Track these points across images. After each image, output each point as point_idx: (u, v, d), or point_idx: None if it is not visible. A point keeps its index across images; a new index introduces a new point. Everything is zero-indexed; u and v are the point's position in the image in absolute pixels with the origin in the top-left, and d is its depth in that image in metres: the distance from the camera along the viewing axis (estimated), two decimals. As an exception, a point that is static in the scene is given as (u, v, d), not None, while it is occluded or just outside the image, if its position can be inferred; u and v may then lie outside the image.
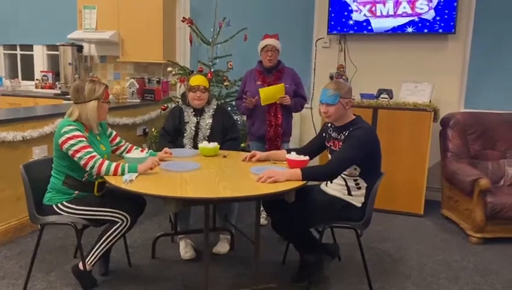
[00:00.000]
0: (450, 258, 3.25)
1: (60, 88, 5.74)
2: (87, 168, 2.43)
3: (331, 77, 4.62)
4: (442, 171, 4.14)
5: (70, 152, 2.43)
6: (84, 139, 2.46)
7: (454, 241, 3.59)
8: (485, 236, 3.53)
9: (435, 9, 4.24)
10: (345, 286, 2.78)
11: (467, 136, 4.09)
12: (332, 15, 4.59)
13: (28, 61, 6.34)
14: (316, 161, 3.40)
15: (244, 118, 4.41)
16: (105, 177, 2.42)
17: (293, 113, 3.71)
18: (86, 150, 2.43)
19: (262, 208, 3.39)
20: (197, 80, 3.18)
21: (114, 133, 2.85)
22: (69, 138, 2.43)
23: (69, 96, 2.59)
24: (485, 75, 4.37)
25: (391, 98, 4.22)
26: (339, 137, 2.59)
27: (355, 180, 2.56)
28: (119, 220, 2.52)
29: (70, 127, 2.46)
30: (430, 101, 4.12)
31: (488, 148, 4.08)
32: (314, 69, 4.81)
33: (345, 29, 4.58)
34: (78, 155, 2.42)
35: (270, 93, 3.39)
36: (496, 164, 4.04)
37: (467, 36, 4.34)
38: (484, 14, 4.28)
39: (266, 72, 3.55)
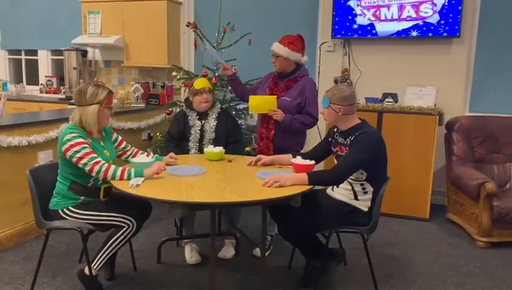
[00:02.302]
0: (457, 263, 3.23)
1: (64, 93, 5.75)
2: (93, 174, 2.44)
3: (336, 81, 4.62)
4: (448, 175, 4.12)
5: (74, 159, 2.43)
6: (87, 145, 2.46)
7: (460, 245, 3.57)
8: (492, 240, 3.51)
9: (440, 13, 4.23)
10: (351, 291, 2.78)
11: (472, 140, 4.07)
12: (337, 19, 4.59)
13: (33, 66, 6.37)
14: (321, 166, 3.39)
15: (248, 122, 4.41)
16: (111, 182, 2.42)
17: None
18: (90, 156, 2.43)
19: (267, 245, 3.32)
20: (201, 82, 3.20)
21: (120, 138, 2.85)
22: (72, 146, 2.43)
23: (73, 100, 2.60)
24: (490, 79, 4.37)
25: (396, 102, 4.22)
26: (345, 142, 2.58)
27: (361, 184, 2.55)
28: (125, 225, 2.52)
29: (73, 135, 2.46)
30: (434, 105, 4.11)
31: (493, 151, 4.07)
32: (319, 73, 4.81)
33: (349, 33, 4.58)
34: (83, 162, 2.42)
35: (260, 102, 3.14)
36: (502, 167, 4.02)
37: (472, 40, 4.34)
38: (489, 17, 4.27)
39: (279, 78, 3.27)
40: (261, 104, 3.14)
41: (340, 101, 2.52)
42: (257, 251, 3.25)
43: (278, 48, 3.17)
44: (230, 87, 3.71)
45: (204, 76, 3.74)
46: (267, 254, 3.21)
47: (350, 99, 2.54)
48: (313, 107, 3.17)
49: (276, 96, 3.13)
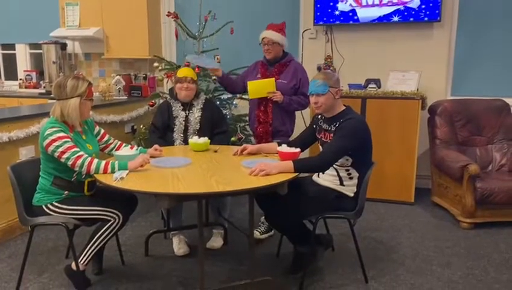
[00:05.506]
0: (442, 245, 3.28)
1: (44, 87, 5.64)
2: (76, 168, 2.40)
3: (319, 68, 4.62)
4: (432, 158, 4.17)
5: (56, 154, 2.39)
6: (68, 139, 2.42)
7: (445, 227, 3.63)
8: (476, 221, 3.58)
9: (420, -3, 4.25)
10: (340, 276, 2.80)
11: (454, 123, 4.12)
12: (318, 6, 4.57)
13: (11, 61, 6.22)
14: (306, 153, 3.40)
15: (234, 111, 4.39)
16: (95, 175, 2.38)
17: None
18: (72, 150, 2.40)
19: (260, 223, 3.39)
20: (184, 71, 3.21)
21: (102, 131, 2.81)
22: (53, 140, 2.38)
23: (53, 94, 2.55)
24: (471, 62, 4.41)
25: (379, 88, 4.23)
26: (329, 128, 2.59)
27: (347, 170, 2.57)
28: (111, 219, 2.49)
29: (54, 129, 2.41)
30: (417, 90, 4.14)
31: (475, 134, 4.12)
32: (302, 61, 4.80)
33: (331, 20, 4.57)
34: (65, 156, 2.38)
35: (259, 87, 3.25)
36: (484, 149, 4.09)
37: (452, 24, 4.37)
38: (468, 1, 4.30)
39: (269, 64, 3.38)
40: (260, 88, 3.25)
41: (337, 84, 2.58)
42: (256, 234, 3.31)
43: (273, 34, 3.26)
44: (222, 86, 3.68)
45: (187, 66, 3.70)
46: (267, 235, 3.35)
47: (340, 82, 2.63)
48: (307, 88, 3.14)
49: (274, 78, 3.25)
